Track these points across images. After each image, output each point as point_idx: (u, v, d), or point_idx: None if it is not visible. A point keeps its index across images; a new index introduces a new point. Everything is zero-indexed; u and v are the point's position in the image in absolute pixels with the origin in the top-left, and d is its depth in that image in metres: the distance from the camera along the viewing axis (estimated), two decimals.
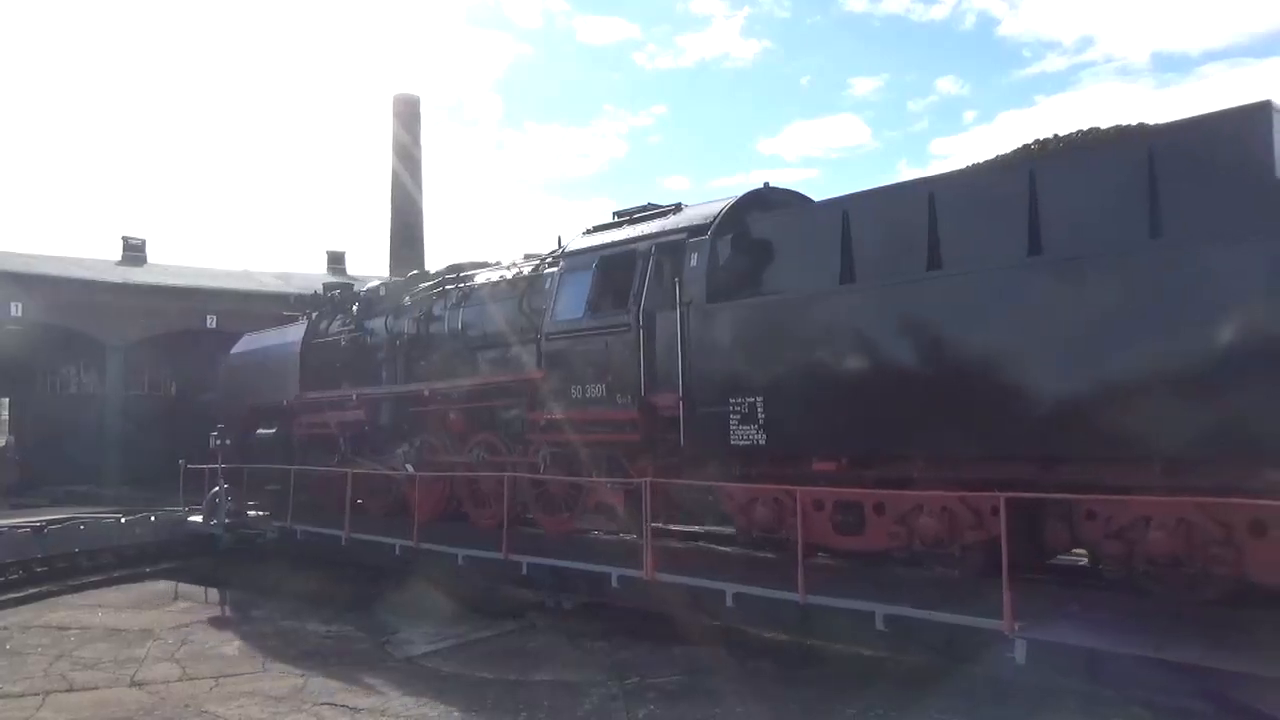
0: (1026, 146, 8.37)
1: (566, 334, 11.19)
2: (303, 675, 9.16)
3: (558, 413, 11.20)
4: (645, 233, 10.74)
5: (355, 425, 15.07)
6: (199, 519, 15.55)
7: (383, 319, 15.20)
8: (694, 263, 9.79)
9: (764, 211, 10.05)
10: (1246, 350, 6.16)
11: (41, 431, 34.13)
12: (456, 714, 7.83)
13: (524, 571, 10.42)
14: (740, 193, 10.39)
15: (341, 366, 15.89)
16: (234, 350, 19.84)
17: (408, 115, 59.67)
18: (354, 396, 15.08)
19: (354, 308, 16.25)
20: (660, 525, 11.63)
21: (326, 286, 18.32)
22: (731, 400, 9.17)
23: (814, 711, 7.49)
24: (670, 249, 10.16)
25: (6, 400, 41.83)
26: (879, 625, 7.15)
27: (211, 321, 32.39)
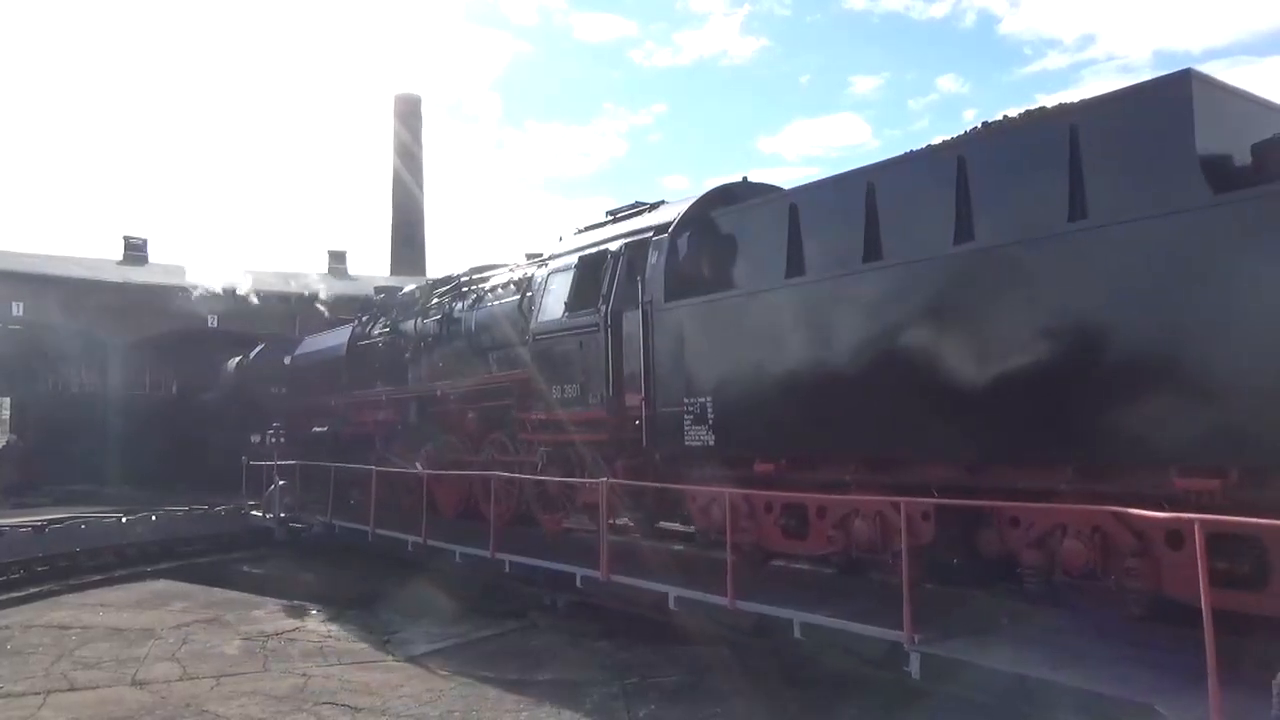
0: (975, 129, 7.91)
1: (548, 334, 11.36)
2: (304, 675, 9.14)
3: (543, 413, 11.38)
4: (619, 232, 10.81)
5: (388, 424, 15.64)
6: (259, 512, 16.55)
7: (413, 321, 15.56)
8: (654, 261, 9.81)
9: (728, 207, 9.90)
10: (1146, 343, 5.88)
11: (43, 431, 34.13)
12: (457, 714, 7.82)
13: (506, 569, 10.56)
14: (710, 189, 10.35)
15: (379, 367, 16.47)
16: (296, 352, 20.90)
17: (409, 114, 59.76)
18: (383, 397, 15.71)
19: (394, 310, 16.69)
20: (670, 525, 11.73)
21: (376, 290, 18.95)
22: (686, 400, 9.15)
23: (816, 711, 7.47)
24: (638, 248, 10.20)
25: (8, 400, 41.84)
26: (796, 633, 7.10)
27: (213, 321, 32.42)
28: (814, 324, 8.04)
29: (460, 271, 15.57)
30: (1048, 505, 6.47)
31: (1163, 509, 5.59)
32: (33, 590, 13.33)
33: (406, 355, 15.50)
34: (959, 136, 7.58)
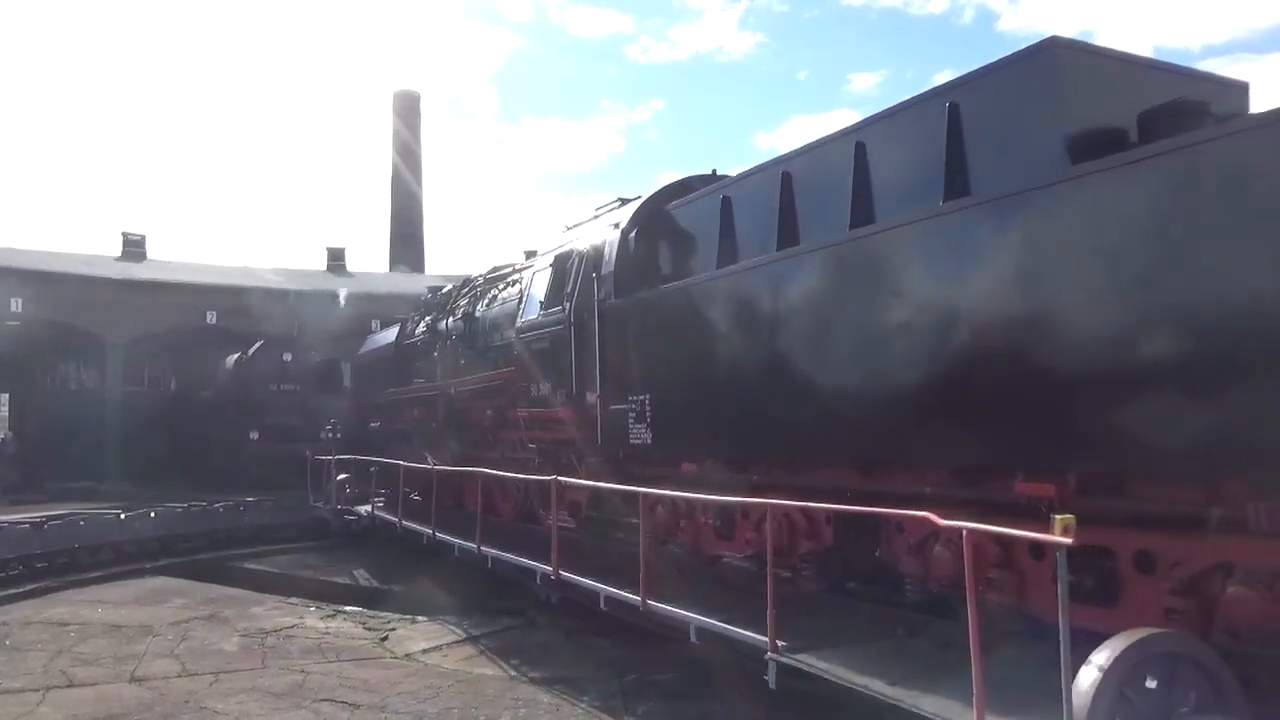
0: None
1: (528, 333, 11.54)
2: (302, 672, 9.15)
3: (525, 411, 11.62)
4: (590, 229, 10.87)
5: (422, 420, 16.10)
6: (321, 505, 17.43)
7: (445, 320, 15.87)
8: (608, 257, 9.86)
9: (676, 202, 9.74)
10: (993, 338, 5.51)
11: (41, 427, 34.11)
12: (455, 711, 7.82)
13: (489, 565, 10.81)
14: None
15: (419, 365, 16.90)
16: (360, 351, 21.83)
17: (408, 111, 59.69)
18: (415, 394, 16.27)
19: (435, 310, 17.02)
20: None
21: (430, 289, 19.33)
22: (630, 398, 9.16)
23: (813, 710, 7.47)
24: (599, 245, 10.26)
25: (6, 396, 41.80)
26: (692, 637, 7.08)
27: (211, 318, 32.40)
28: (725, 320, 7.92)
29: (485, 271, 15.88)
30: (875, 509, 6.17)
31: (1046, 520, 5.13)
32: (31, 586, 13.31)
33: (435, 354, 15.82)
34: (863, 120, 7.22)
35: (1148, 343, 4.77)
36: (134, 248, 36.64)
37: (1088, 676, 4.12)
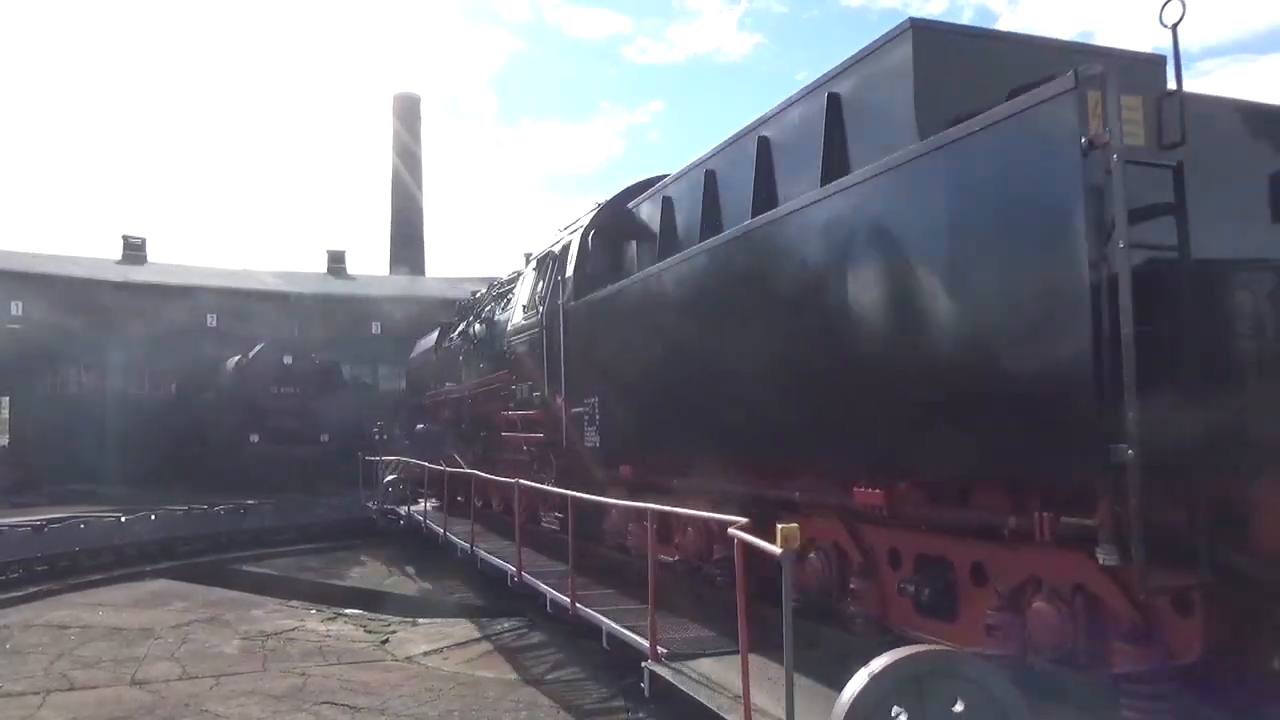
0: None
1: (514, 335, 11.69)
2: (303, 674, 9.14)
3: (513, 413, 11.74)
4: (568, 232, 10.92)
5: (452, 422, 16.44)
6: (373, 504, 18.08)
7: (474, 323, 15.99)
8: (570, 260, 9.92)
9: (632, 202, 9.68)
10: (834, 341, 5.43)
11: (42, 430, 34.11)
12: (456, 713, 7.82)
13: (479, 567, 10.99)
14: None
15: (451, 368, 17.14)
16: (411, 354, 22.40)
17: (408, 113, 59.74)
18: (443, 397, 16.75)
19: (470, 313, 17.12)
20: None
21: (472, 292, 19.55)
22: (585, 401, 9.21)
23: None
24: (567, 246, 10.32)
25: (6, 399, 41.80)
26: (604, 644, 7.08)
27: (212, 320, 32.48)
28: (649, 323, 7.91)
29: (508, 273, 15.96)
30: (697, 513, 6.12)
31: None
32: (32, 590, 13.28)
33: (461, 357, 15.97)
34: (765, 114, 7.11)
35: (931, 348, 4.71)
36: (135, 250, 36.71)
37: (854, 685, 3.92)
